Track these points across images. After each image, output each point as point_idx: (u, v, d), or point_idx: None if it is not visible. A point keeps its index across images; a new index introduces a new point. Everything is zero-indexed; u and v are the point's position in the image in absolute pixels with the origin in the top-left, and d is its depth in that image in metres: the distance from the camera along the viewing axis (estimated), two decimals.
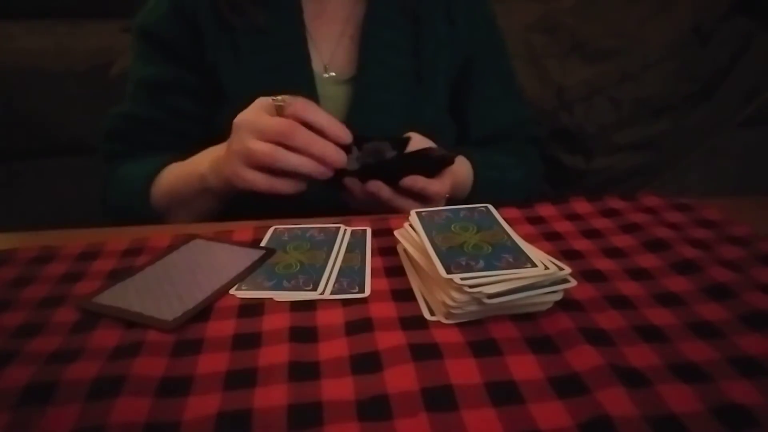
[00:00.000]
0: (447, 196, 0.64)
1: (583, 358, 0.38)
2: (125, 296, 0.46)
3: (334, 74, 0.76)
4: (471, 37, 0.81)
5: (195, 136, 0.72)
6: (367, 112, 0.74)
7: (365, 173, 0.60)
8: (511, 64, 0.88)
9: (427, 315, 0.43)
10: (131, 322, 0.43)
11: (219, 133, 0.67)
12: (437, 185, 0.61)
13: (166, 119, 0.76)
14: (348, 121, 0.73)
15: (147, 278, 0.49)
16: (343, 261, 0.51)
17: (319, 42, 0.75)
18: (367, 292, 0.46)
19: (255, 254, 0.53)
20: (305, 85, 0.73)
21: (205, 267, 0.51)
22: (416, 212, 0.51)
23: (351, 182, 0.61)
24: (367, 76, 0.74)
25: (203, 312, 0.44)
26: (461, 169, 0.75)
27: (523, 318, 0.42)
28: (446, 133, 0.76)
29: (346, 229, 0.57)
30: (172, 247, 0.54)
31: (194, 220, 0.70)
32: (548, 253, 0.45)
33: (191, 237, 0.56)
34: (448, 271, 0.41)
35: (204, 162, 0.66)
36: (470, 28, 0.81)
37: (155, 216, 0.71)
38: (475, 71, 0.82)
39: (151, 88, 0.77)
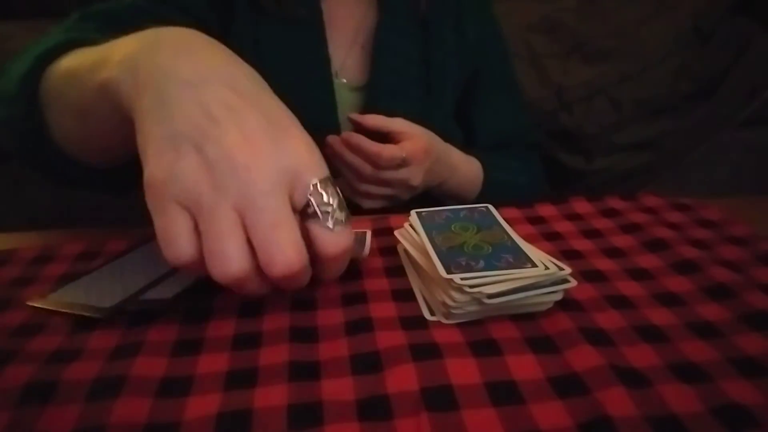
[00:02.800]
0: (405, 157, 0.63)
1: (583, 358, 0.38)
2: (75, 294, 0.47)
3: (345, 81, 0.76)
4: (479, 48, 0.81)
5: None
6: None
7: None
8: (514, 72, 0.89)
9: (427, 315, 0.43)
10: (79, 316, 0.44)
11: None
12: (383, 147, 0.61)
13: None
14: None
15: (102, 275, 0.50)
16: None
17: (331, 49, 0.75)
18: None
19: None
20: (324, 89, 0.73)
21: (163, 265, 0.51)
22: (416, 212, 0.51)
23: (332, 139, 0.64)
24: (378, 85, 0.75)
25: (203, 312, 0.44)
26: (469, 166, 0.75)
27: (523, 318, 0.42)
28: (454, 140, 0.77)
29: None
30: (131, 246, 0.55)
31: (89, 147, 0.51)
32: (548, 253, 0.45)
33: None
34: (448, 271, 0.41)
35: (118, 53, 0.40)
36: (479, 38, 0.81)
37: (29, 122, 0.49)
38: (482, 81, 0.83)
39: (142, 12, 0.60)
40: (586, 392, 0.35)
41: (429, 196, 0.75)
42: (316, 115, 0.63)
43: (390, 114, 0.66)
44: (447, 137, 0.71)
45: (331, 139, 0.62)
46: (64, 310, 0.44)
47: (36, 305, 0.46)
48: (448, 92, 0.79)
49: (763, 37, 1.04)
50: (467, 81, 0.82)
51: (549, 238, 0.55)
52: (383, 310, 0.44)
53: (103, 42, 0.44)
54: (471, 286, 0.40)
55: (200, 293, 0.45)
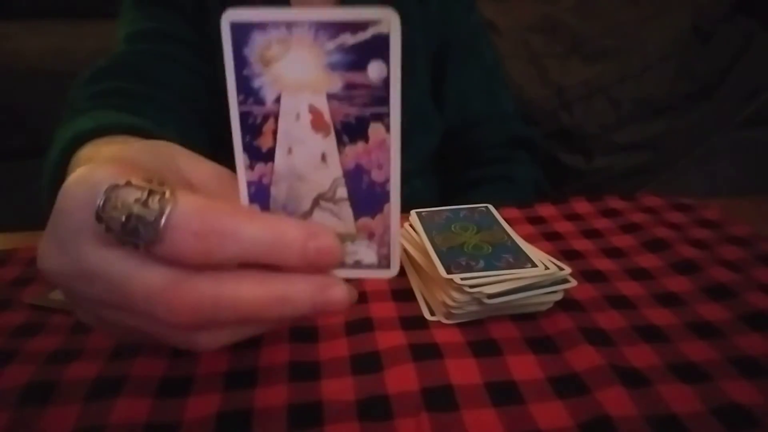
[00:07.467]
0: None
1: (583, 358, 0.38)
2: None
3: None
4: (445, 20, 0.79)
5: (202, 91, 0.69)
6: None
7: None
8: (494, 53, 0.86)
9: (427, 315, 0.43)
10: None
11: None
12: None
13: (172, 63, 0.69)
14: None
15: None
16: None
17: None
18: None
19: None
20: None
21: None
22: (416, 212, 0.51)
23: None
24: None
25: None
26: None
27: (523, 318, 0.42)
28: (431, 118, 0.75)
29: None
30: None
31: None
32: (548, 253, 0.45)
33: None
34: (448, 271, 0.41)
35: None
36: (443, 7, 0.80)
37: None
38: (450, 56, 0.81)
39: (151, 35, 0.69)
40: (586, 392, 0.35)
41: (428, 197, 0.74)
42: None
43: None
44: (423, 115, 0.69)
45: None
46: (70, 310, 0.44)
47: (37, 303, 0.46)
48: (418, 67, 0.77)
49: (763, 37, 1.04)
50: (437, 56, 0.79)
51: (549, 238, 0.55)
52: (383, 310, 0.44)
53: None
54: (471, 286, 0.40)
55: None
